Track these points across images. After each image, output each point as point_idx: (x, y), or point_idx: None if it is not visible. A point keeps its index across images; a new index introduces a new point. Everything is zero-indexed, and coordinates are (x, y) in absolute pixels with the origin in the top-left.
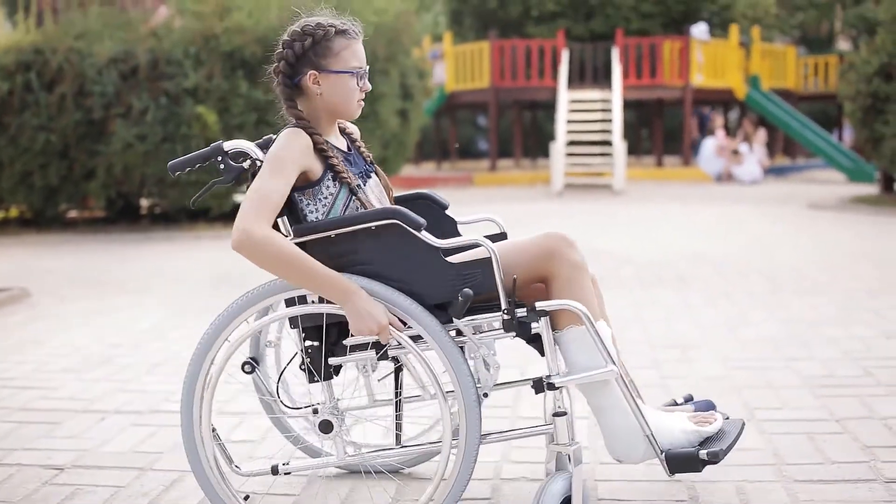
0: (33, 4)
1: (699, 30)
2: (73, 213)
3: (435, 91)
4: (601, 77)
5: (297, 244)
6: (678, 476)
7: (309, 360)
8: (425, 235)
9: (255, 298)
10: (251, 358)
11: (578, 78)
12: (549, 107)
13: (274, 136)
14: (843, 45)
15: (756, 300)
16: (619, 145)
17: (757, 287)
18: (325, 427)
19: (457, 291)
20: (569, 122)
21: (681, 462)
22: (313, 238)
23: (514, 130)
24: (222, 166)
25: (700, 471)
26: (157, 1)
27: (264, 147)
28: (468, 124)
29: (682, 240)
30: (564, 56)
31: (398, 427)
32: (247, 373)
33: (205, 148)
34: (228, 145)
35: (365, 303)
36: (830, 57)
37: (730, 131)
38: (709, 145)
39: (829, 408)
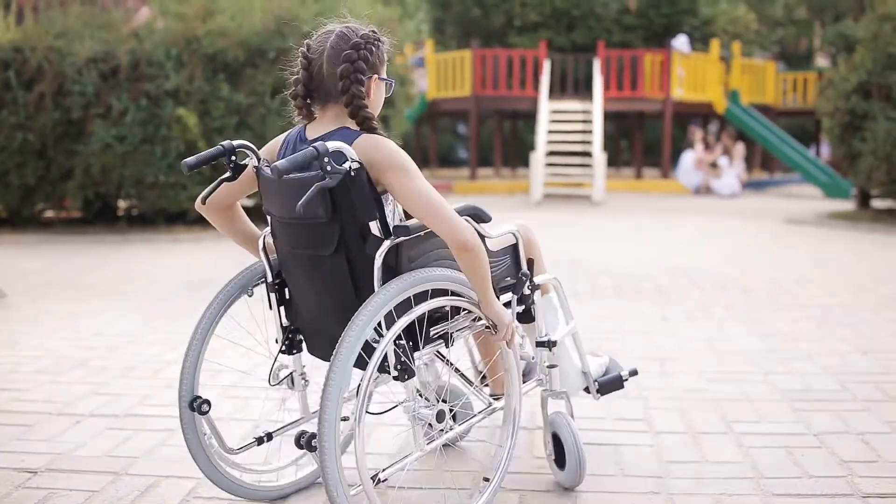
0: (13, 2)
1: (680, 42)
2: (49, 214)
3: (416, 98)
4: (582, 88)
5: (393, 245)
6: (657, 488)
7: (403, 357)
8: (481, 227)
9: (412, 283)
10: (198, 396)
11: (559, 88)
12: (530, 117)
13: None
14: (822, 61)
15: (734, 314)
16: (599, 156)
17: (735, 301)
18: (441, 416)
19: (492, 274)
20: (549, 132)
21: (610, 385)
22: (407, 238)
23: (495, 139)
24: (329, 167)
25: (623, 388)
26: (139, 1)
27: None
28: (449, 132)
29: (661, 252)
30: (546, 66)
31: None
32: (203, 413)
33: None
34: (332, 146)
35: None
36: (809, 73)
37: (708, 145)
38: (687, 158)
39: (806, 422)
